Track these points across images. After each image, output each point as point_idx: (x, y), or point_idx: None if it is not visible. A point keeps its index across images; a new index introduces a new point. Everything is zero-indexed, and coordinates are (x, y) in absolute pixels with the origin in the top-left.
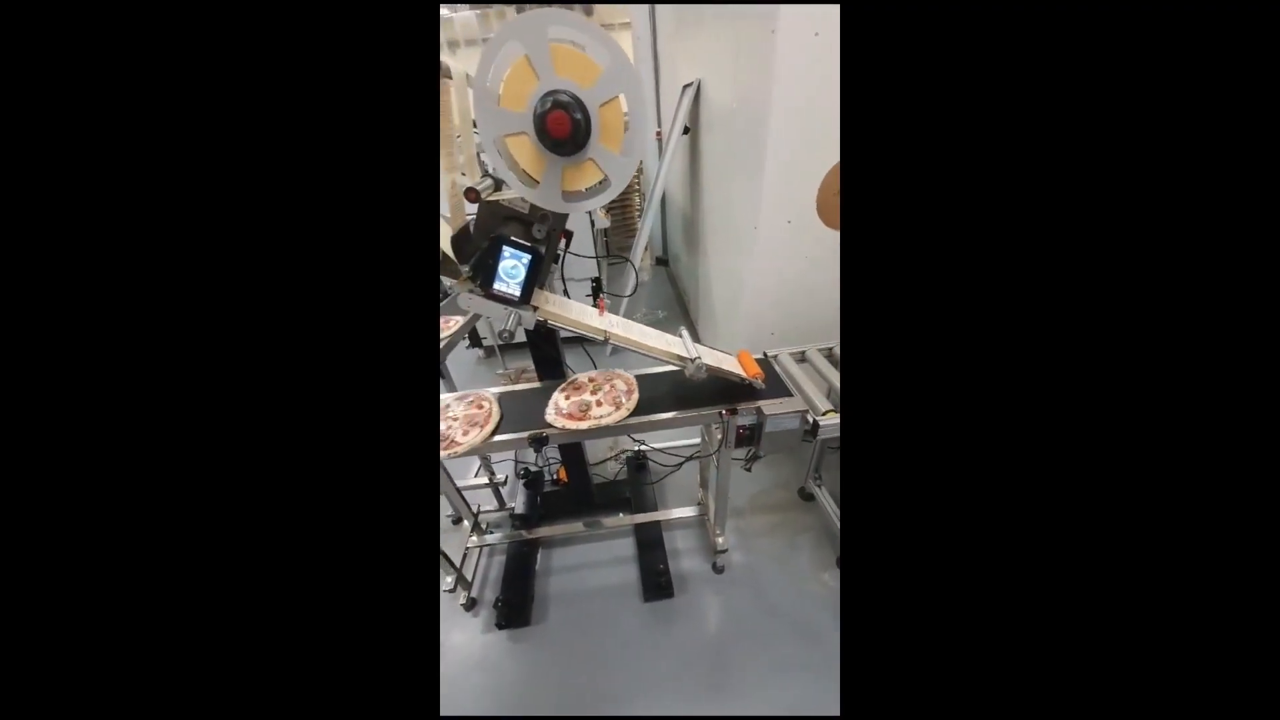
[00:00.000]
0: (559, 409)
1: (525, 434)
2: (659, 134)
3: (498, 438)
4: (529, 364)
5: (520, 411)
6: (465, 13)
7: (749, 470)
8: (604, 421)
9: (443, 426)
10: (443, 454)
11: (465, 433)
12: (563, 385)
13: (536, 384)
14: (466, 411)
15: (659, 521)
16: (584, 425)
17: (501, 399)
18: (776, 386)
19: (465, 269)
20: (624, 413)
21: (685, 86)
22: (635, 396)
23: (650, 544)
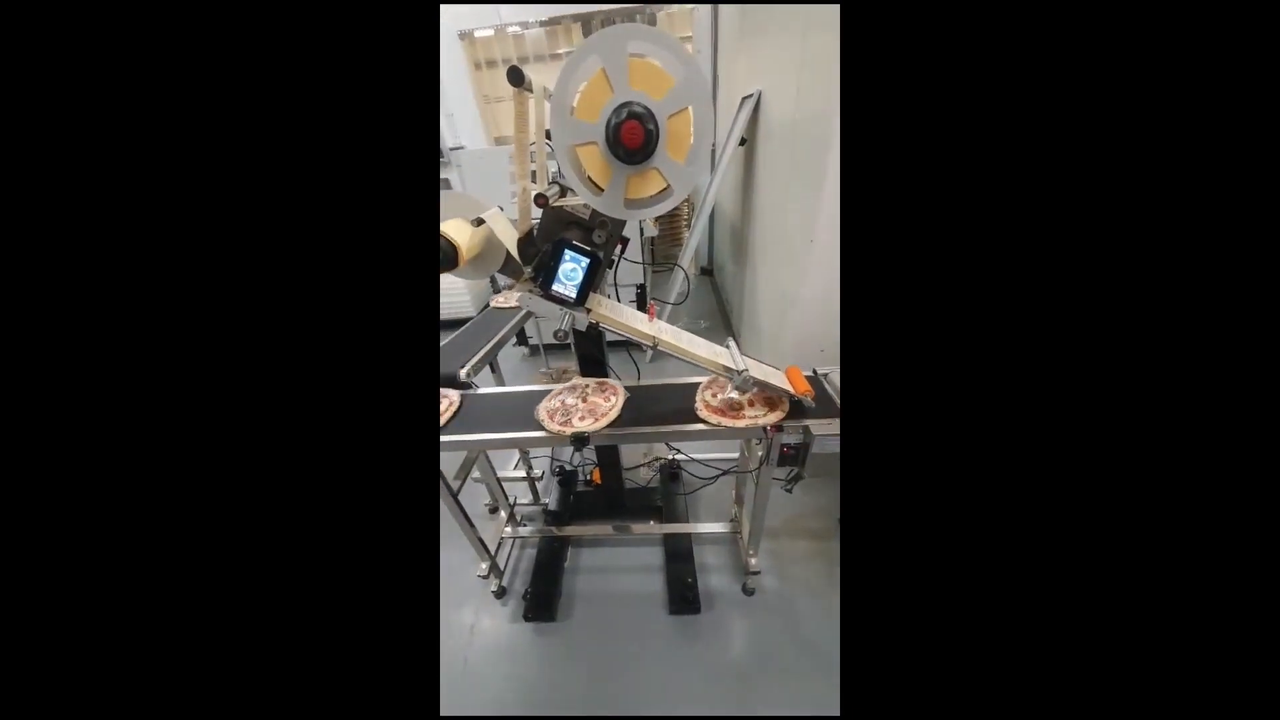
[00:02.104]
0: (708, 405)
1: (654, 428)
2: (712, 145)
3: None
4: (570, 364)
5: (646, 405)
6: (535, 30)
7: (789, 491)
8: (759, 421)
9: (570, 401)
10: (561, 429)
11: (582, 418)
12: (706, 383)
13: (666, 380)
14: (593, 399)
15: (689, 534)
16: (739, 424)
17: (630, 393)
18: (826, 406)
19: (528, 270)
20: (779, 414)
21: (744, 98)
22: (787, 402)
23: (679, 556)
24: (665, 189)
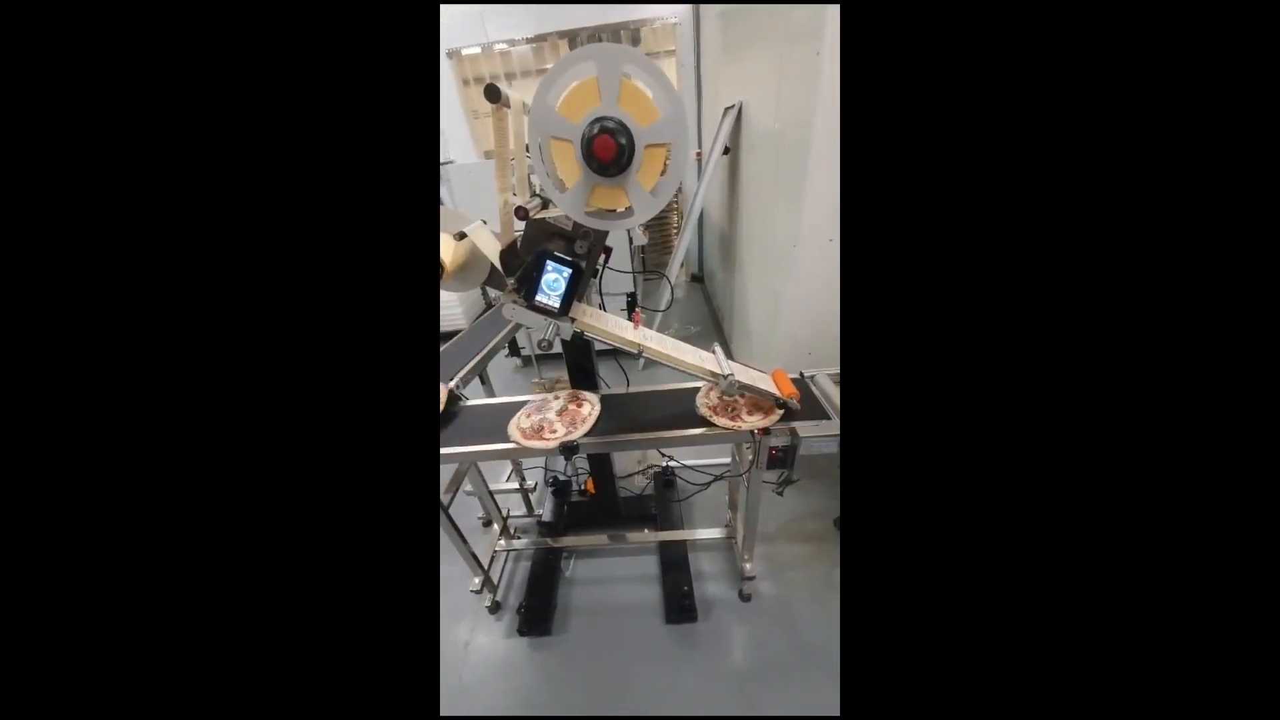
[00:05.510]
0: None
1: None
2: (698, 154)
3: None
4: (563, 374)
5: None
6: (522, 47)
7: (780, 494)
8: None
9: (729, 397)
10: (734, 424)
11: (750, 413)
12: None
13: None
14: (752, 395)
15: (684, 541)
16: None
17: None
18: (813, 408)
19: (511, 281)
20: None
21: (727, 109)
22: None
23: (675, 564)
24: (629, 208)
